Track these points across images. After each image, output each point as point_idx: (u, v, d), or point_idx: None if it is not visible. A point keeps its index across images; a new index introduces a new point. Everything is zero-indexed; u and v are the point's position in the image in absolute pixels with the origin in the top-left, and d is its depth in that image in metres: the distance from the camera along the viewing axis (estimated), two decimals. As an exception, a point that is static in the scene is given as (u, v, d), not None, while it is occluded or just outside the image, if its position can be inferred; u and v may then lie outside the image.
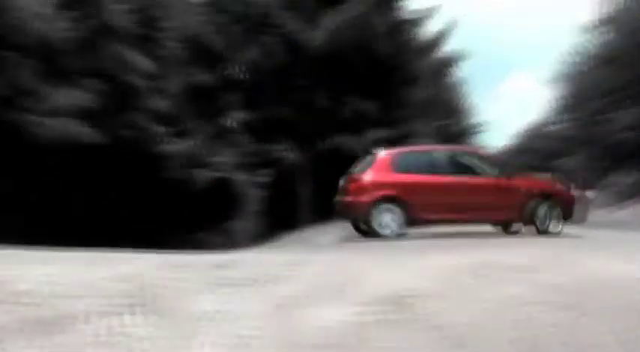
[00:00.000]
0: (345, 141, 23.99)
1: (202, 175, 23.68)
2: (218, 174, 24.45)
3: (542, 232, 14.55)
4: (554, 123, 54.30)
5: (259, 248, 18.70)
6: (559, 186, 16.11)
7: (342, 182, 15.11)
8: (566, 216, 15.11)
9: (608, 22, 39.36)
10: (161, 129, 22.90)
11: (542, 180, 16.69)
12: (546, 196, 14.91)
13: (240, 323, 3.96)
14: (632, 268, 6.50)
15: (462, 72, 48.93)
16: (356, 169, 15.09)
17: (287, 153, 25.37)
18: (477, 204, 14.44)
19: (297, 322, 4.00)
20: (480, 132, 55.43)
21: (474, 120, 56.02)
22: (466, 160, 15.66)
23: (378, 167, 14.48)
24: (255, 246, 21.06)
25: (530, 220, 14.72)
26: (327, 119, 24.26)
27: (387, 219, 13.99)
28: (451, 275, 6.00)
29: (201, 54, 24.78)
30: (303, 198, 25.14)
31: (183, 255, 7.78)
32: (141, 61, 22.36)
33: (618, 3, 37.67)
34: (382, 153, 15.01)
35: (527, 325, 3.87)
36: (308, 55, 23.88)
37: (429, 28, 30.50)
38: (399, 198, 14.07)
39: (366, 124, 24.38)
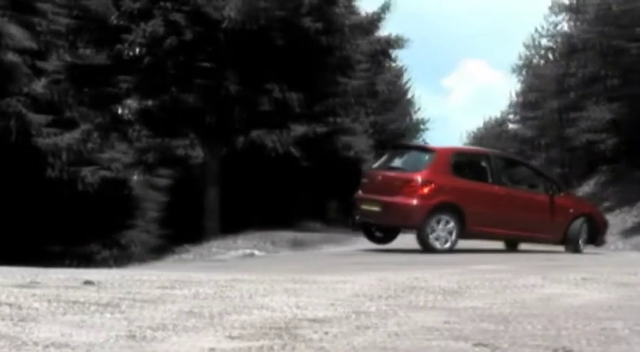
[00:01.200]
0: (263, 136, 23.85)
1: (91, 175, 23.28)
2: (110, 174, 24.09)
3: (578, 252, 15.33)
4: (512, 121, 55.23)
5: (155, 263, 18.53)
6: (597, 209, 17.91)
7: (377, 177, 15.05)
8: (600, 238, 16.32)
9: (571, 9, 40.18)
10: (40, 118, 22.47)
11: (582, 200, 17.61)
12: (587, 218, 15.95)
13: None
14: (564, 292, 6.61)
15: (403, 60, 49.34)
16: (398, 165, 15.21)
17: (192, 149, 25.14)
18: (530, 221, 15.18)
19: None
20: (424, 129, 56.03)
21: (418, 115, 56.61)
22: (519, 171, 16.25)
23: (438, 167, 14.57)
24: (152, 260, 20.84)
25: (570, 241, 15.53)
26: (241, 110, 24.05)
27: (442, 229, 14.24)
28: (359, 299, 5.96)
29: (90, 27, 24.35)
30: (211, 205, 24.89)
31: (39, 272, 7.60)
32: (18, 33, 21.91)
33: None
34: (442, 151, 15.36)
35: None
36: (219, 32, 23.63)
37: (365, 7, 30.66)
38: (457, 206, 14.29)
39: (289, 117, 24.27)
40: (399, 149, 16.57)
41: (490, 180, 15.06)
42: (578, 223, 15.57)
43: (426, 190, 14.19)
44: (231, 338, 4.23)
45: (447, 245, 14.14)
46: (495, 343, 4.03)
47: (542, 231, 15.31)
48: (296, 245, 19.82)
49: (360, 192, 15.23)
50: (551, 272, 8.72)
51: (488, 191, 14.83)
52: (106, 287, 6.46)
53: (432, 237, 14.07)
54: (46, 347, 3.98)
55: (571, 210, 15.74)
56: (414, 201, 14.13)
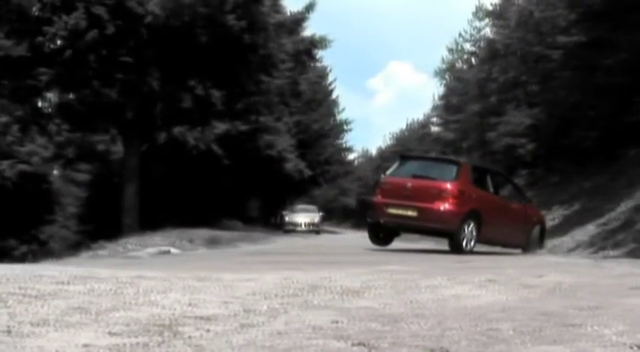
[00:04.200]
0: (185, 133, 23.66)
1: (9, 168, 22.86)
2: (29, 168, 23.69)
3: (535, 254, 16.72)
4: (435, 124, 55.72)
5: (69, 259, 18.23)
6: (542, 214, 19.62)
7: (404, 184, 15.74)
8: (543, 242, 18.38)
9: (494, 14, 40.69)
10: (-44, 110, 22.00)
11: (538, 209, 19.77)
12: (541, 225, 18.20)
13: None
14: (464, 293, 6.61)
15: (328, 61, 49.61)
16: (426, 174, 16.06)
17: (113, 145, 24.80)
18: (513, 228, 16.76)
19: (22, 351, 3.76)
20: (347, 130, 56.29)
21: (342, 116, 56.84)
22: (502, 183, 18.29)
23: (465, 178, 15.83)
24: (70, 256, 20.53)
25: (531, 245, 17.29)
26: (163, 106, 23.83)
27: (468, 233, 15.44)
28: (254, 297, 5.87)
29: (10, 18, 23.87)
30: (130, 201, 24.60)
31: None
32: None
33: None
34: (465, 164, 16.87)
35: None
36: (141, 27, 23.35)
37: (290, 7, 30.67)
38: (479, 213, 15.62)
39: (211, 115, 24.12)
40: (412, 159, 17.97)
41: (491, 191, 16.70)
42: (537, 229, 17.71)
43: (460, 198, 15.37)
44: (111, 334, 4.12)
45: (468, 248, 15.33)
46: (376, 343, 3.98)
47: (517, 236, 16.91)
48: (214, 243, 19.70)
49: (379, 196, 16.09)
50: (460, 274, 8.72)
51: (493, 201, 16.46)
52: (1, 282, 6.28)
53: (462, 240, 15.30)
54: None
55: (534, 219, 17.83)
56: (453, 208, 15.25)
